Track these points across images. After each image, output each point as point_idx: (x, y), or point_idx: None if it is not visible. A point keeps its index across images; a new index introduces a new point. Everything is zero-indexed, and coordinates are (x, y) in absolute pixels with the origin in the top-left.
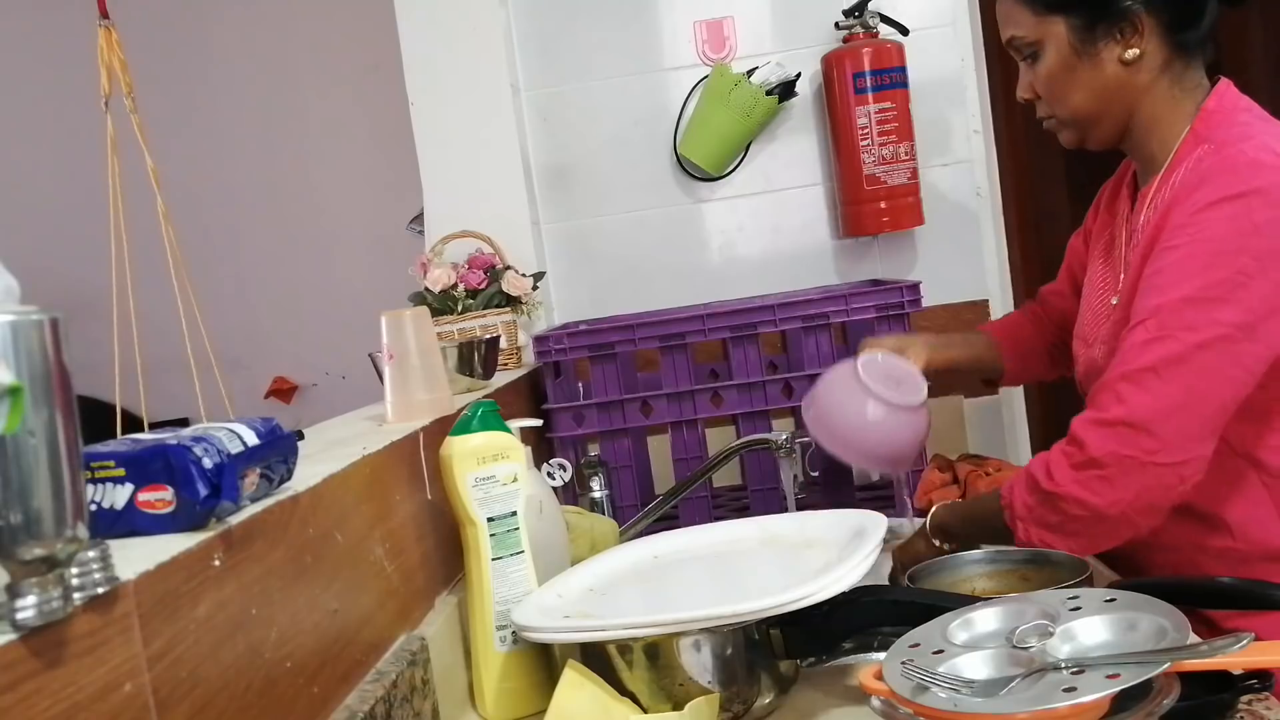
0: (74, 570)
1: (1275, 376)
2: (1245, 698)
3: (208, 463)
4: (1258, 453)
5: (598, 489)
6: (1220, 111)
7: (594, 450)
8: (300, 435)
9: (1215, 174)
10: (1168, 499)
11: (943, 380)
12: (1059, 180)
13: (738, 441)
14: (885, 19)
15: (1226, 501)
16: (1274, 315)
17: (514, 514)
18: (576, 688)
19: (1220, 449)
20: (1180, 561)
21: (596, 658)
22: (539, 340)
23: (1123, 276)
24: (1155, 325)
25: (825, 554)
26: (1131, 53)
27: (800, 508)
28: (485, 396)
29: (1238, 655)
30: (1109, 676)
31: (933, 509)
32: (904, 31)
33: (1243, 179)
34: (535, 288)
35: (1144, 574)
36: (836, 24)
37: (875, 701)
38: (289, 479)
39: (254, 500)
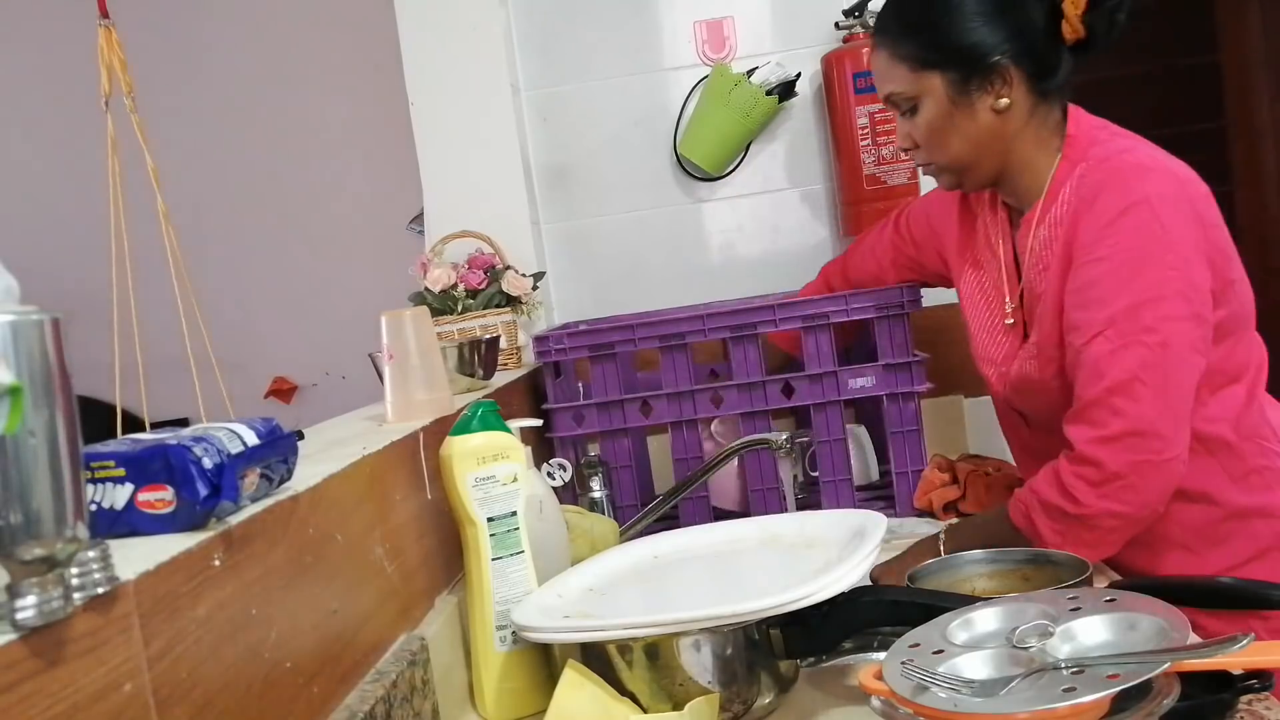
0: (74, 570)
1: None
2: (1245, 698)
3: (208, 463)
4: (1199, 426)
5: (598, 489)
6: (1081, 134)
7: (594, 450)
8: (300, 435)
9: (1108, 184)
10: (1177, 482)
11: None
12: None
13: (738, 441)
14: None
15: (1190, 477)
16: (1200, 295)
17: (514, 514)
18: (576, 688)
19: None
20: (1160, 536)
21: (596, 658)
22: (539, 340)
23: (1010, 298)
24: (1114, 334)
25: (825, 554)
26: (1003, 102)
27: (800, 508)
28: (485, 396)
29: (1238, 655)
30: (1109, 676)
31: (943, 541)
32: None
33: (1135, 186)
34: (535, 288)
35: (1128, 552)
36: (836, 24)
37: (875, 701)
38: (289, 479)
39: (254, 500)
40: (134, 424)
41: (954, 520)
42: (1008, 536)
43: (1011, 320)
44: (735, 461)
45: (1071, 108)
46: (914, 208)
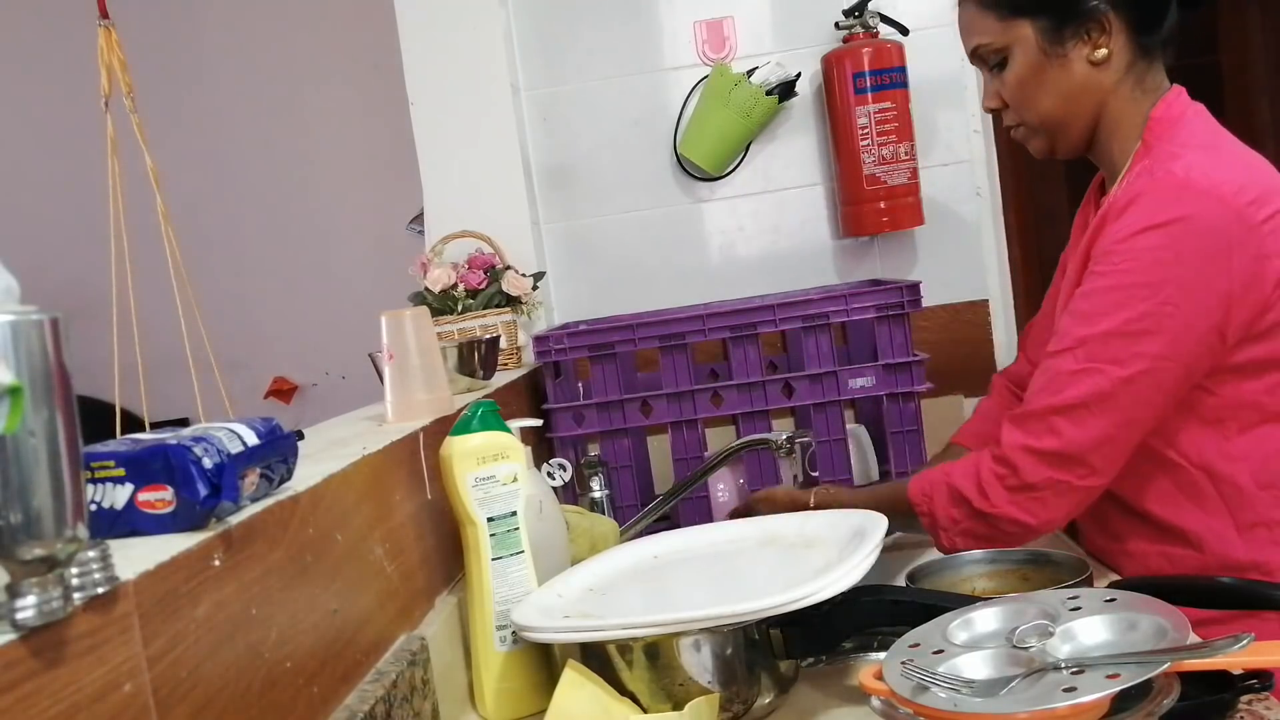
0: (74, 570)
1: (1221, 384)
2: (1245, 698)
3: (208, 463)
4: (1215, 464)
5: (598, 489)
6: (1164, 121)
7: (594, 450)
8: (300, 435)
9: (1144, 196)
10: (1086, 505)
11: None
12: (1059, 180)
13: (738, 441)
14: (885, 19)
15: (1188, 514)
16: (1203, 336)
17: (514, 514)
18: (576, 688)
19: (1179, 463)
20: (1149, 568)
21: (596, 658)
22: (539, 340)
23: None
24: (1084, 355)
25: (825, 554)
26: (1100, 53)
27: None
28: (485, 396)
29: (1238, 655)
30: (1109, 676)
31: (816, 490)
32: (904, 31)
33: (1168, 206)
34: (535, 288)
35: (1118, 574)
36: (836, 24)
37: (875, 701)
38: (289, 479)
39: (254, 500)
40: (134, 424)
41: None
42: (890, 506)
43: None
44: (735, 486)
45: (1174, 89)
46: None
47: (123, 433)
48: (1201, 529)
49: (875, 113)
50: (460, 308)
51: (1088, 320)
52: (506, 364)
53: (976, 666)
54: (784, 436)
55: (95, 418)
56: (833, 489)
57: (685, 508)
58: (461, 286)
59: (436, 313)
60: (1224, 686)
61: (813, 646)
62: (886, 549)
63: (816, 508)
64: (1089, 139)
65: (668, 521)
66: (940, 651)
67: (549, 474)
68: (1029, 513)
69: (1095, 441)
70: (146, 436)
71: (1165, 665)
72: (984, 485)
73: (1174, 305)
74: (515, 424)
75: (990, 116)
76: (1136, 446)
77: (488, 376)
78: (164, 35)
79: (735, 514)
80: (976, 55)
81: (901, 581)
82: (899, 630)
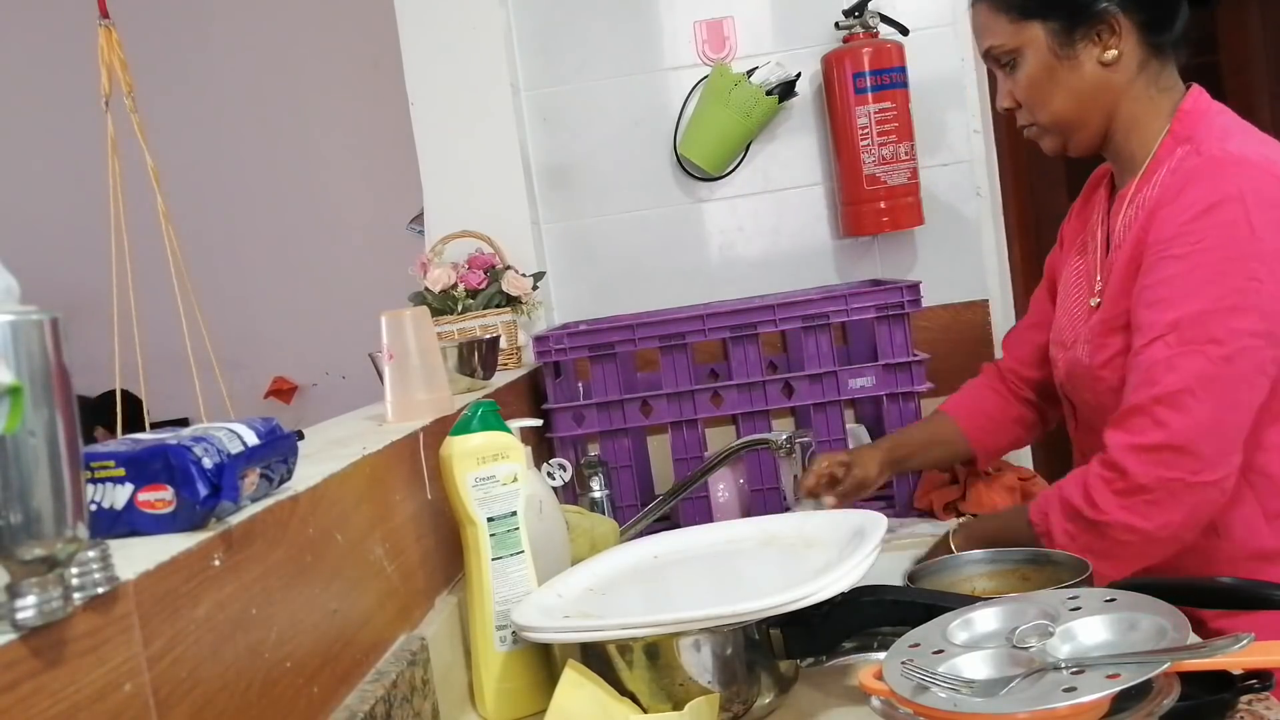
0: (74, 570)
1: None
2: (1245, 698)
3: (208, 463)
4: (1249, 454)
5: (598, 489)
6: (1196, 112)
7: (594, 450)
8: (300, 435)
9: (1201, 175)
10: (1212, 512)
11: (903, 470)
12: (1059, 180)
13: (738, 441)
14: (885, 19)
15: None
16: None
17: (514, 514)
18: (576, 688)
19: None
20: (1172, 566)
21: (596, 658)
22: (539, 340)
23: (1099, 278)
24: (1176, 340)
25: (825, 554)
26: (1110, 54)
27: None
28: (485, 396)
29: (1238, 655)
30: (1109, 676)
31: (953, 532)
32: (904, 31)
33: (1230, 180)
34: (535, 288)
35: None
36: (836, 24)
37: (875, 701)
38: (289, 479)
39: (254, 500)
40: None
41: (964, 519)
42: (1021, 535)
43: (1097, 300)
44: (735, 486)
45: (1195, 86)
46: (1052, 253)
47: (123, 432)
48: (1230, 518)
49: (875, 113)
50: (460, 308)
51: (1174, 304)
52: (506, 364)
53: (976, 666)
54: (784, 436)
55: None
56: (967, 526)
57: (685, 508)
58: (461, 286)
59: (436, 313)
60: (1224, 686)
61: (813, 646)
62: (886, 549)
63: (962, 545)
64: (1102, 137)
65: (668, 521)
66: (940, 651)
67: (549, 474)
68: (1142, 516)
69: (1203, 429)
70: (146, 436)
71: (1165, 665)
72: (1091, 492)
73: (1259, 279)
74: (515, 424)
75: (990, 116)
76: (1244, 435)
77: (488, 376)
78: (164, 35)
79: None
80: (990, 56)
81: (901, 581)
82: (899, 630)
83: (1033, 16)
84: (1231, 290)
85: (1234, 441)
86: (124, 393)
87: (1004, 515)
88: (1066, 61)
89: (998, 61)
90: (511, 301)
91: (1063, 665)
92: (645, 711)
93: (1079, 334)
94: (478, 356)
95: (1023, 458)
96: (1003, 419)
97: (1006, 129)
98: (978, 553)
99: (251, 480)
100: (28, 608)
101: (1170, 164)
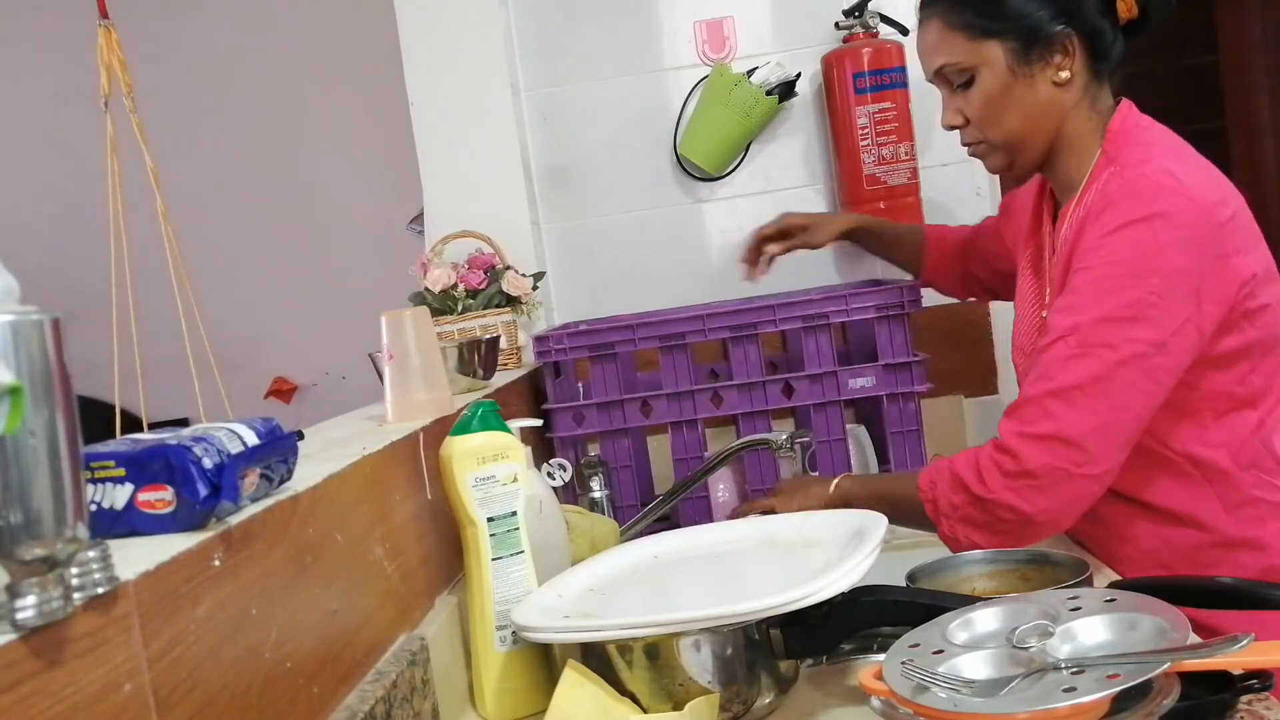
0: (74, 570)
1: (1200, 377)
2: (1245, 698)
3: (208, 463)
4: (1196, 451)
5: (598, 489)
6: (1123, 131)
7: (594, 450)
8: (300, 435)
9: (1120, 198)
10: (1089, 503)
11: (859, 245)
12: None
13: (738, 441)
14: (885, 19)
15: (1179, 499)
16: (1184, 328)
17: (514, 514)
18: (576, 688)
19: (1165, 453)
20: (1146, 553)
21: (596, 658)
22: (539, 340)
23: (1048, 290)
24: (1075, 342)
25: (825, 554)
26: (1064, 74)
27: None
28: (485, 396)
29: (1238, 655)
30: (1109, 676)
31: (839, 478)
32: (904, 31)
33: (1145, 203)
34: (535, 288)
35: (1114, 566)
36: (836, 24)
37: (875, 701)
38: (289, 479)
39: (254, 500)
40: (134, 424)
41: (846, 474)
42: (905, 497)
43: (1046, 314)
44: (735, 486)
45: (1125, 102)
46: (1004, 199)
47: (123, 433)
48: (1194, 510)
49: (875, 113)
50: (460, 308)
51: (1077, 310)
52: (506, 364)
53: (976, 666)
54: (784, 436)
55: (95, 418)
56: (855, 478)
57: (685, 508)
58: (461, 286)
59: (436, 313)
60: (1224, 686)
61: (813, 646)
62: (886, 549)
63: (833, 499)
64: (1046, 156)
65: (668, 521)
66: (940, 651)
67: (549, 474)
68: (1026, 500)
69: (1090, 426)
70: (146, 436)
71: (1165, 665)
72: (983, 471)
73: (1158, 295)
74: (515, 424)
75: None
76: (1134, 440)
77: (488, 376)
78: (164, 35)
79: (737, 513)
80: (940, 75)
81: (901, 581)
82: (899, 630)
83: (992, 36)
84: (1131, 302)
85: (1119, 440)
86: (100, 403)
87: (893, 477)
88: (1023, 80)
89: (948, 81)
90: (511, 301)
91: (1063, 665)
92: (645, 711)
93: (1033, 344)
94: (478, 356)
95: None
96: (954, 265)
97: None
98: (978, 553)
99: (251, 480)
100: (28, 608)
101: (1098, 184)
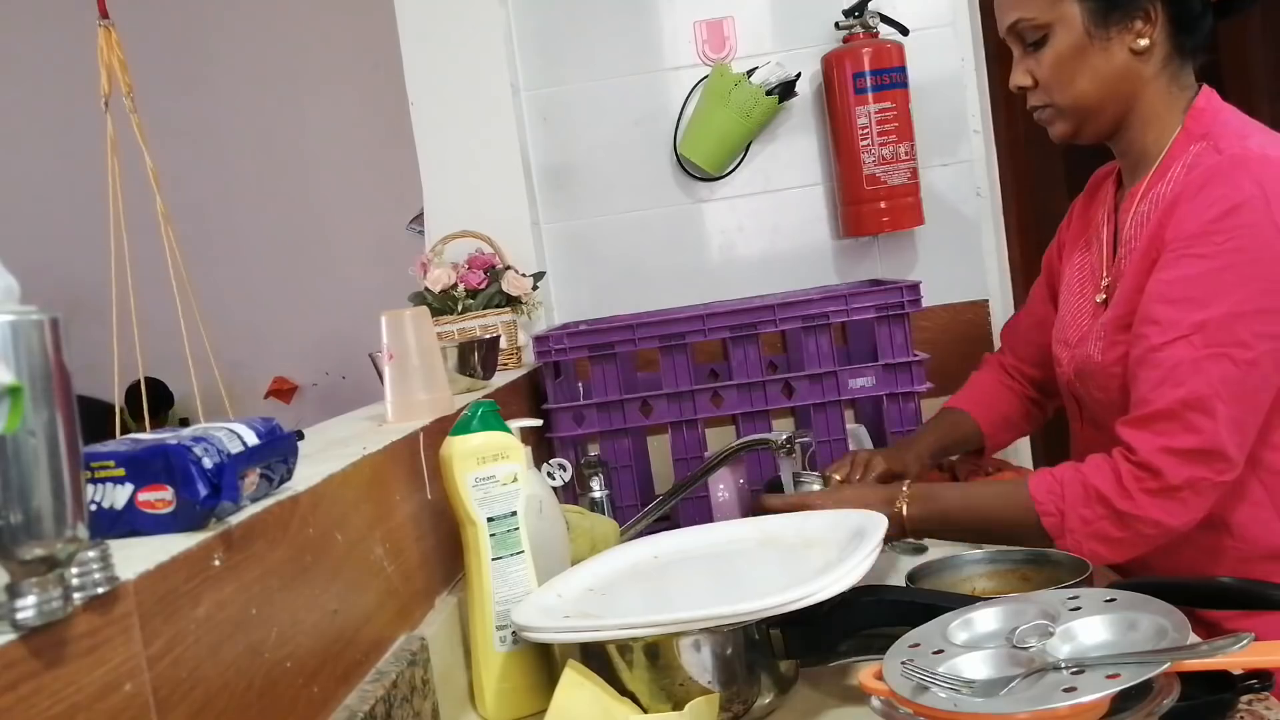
0: (74, 570)
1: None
2: (1245, 698)
3: (208, 463)
4: (1259, 452)
5: (598, 489)
6: (1210, 110)
7: (594, 450)
8: (300, 435)
9: (1222, 173)
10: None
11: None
12: (1059, 180)
13: (738, 441)
14: (885, 19)
15: (1228, 502)
16: None
17: (514, 514)
18: (576, 688)
19: None
20: (1179, 561)
21: (596, 658)
22: (539, 340)
23: (1106, 275)
24: (1202, 342)
25: (825, 554)
26: (1142, 42)
27: None
28: (485, 396)
29: (1238, 655)
30: (1109, 676)
31: (909, 487)
32: (904, 31)
33: (1253, 179)
34: (535, 288)
35: (1143, 573)
36: (836, 24)
37: (875, 701)
38: (289, 479)
39: (254, 500)
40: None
41: (908, 486)
42: (1004, 514)
43: (1103, 297)
44: (735, 486)
45: (1206, 87)
46: (1049, 250)
47: (122, 433)
48: (1244, 517)
49: (875, 113)
50: (460, 308)
51: (1199, 305)
52: (506, 364)
53: (976, 666)
54: (784, 436)
55: (95, 418)
56: (919, 497)
57: (685, 508)
58: (461, 286)
59: (436, 313)
60: (1224, 686)
61: (813, 646)
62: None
63: (910, 514)
64: (1116, 127)
65: (668, 521)
66: (940, 651)
67: (549, 474)
68: (1171, 514)
69: (1230, 432)
70: (146, 436)
71: (1165, 665)
72: (1127, 488)
73: None
74: (515, 424)
75: (990, 116)
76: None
77: (488, 376)
78: (164, 35)
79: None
80: (1014, 30)
81: (901, 581)
82: (899, 630)
83: None
84: (1257, 293)
85: (1251, 439)
86: (100, 403)
87: (981, 488)
88: (1098, 43)
89: (1021, 38)
90: (511, 301)
91: (1063, 665)
92: (645, 711)
93: (1086, 331)
94: (478, 356)
95: (1022, 456)
96: (1012, 414)
97: (1006, 129)
98: (978, 553)
99: (251, 480)
100: (28, 608)
101: (1185, 160)
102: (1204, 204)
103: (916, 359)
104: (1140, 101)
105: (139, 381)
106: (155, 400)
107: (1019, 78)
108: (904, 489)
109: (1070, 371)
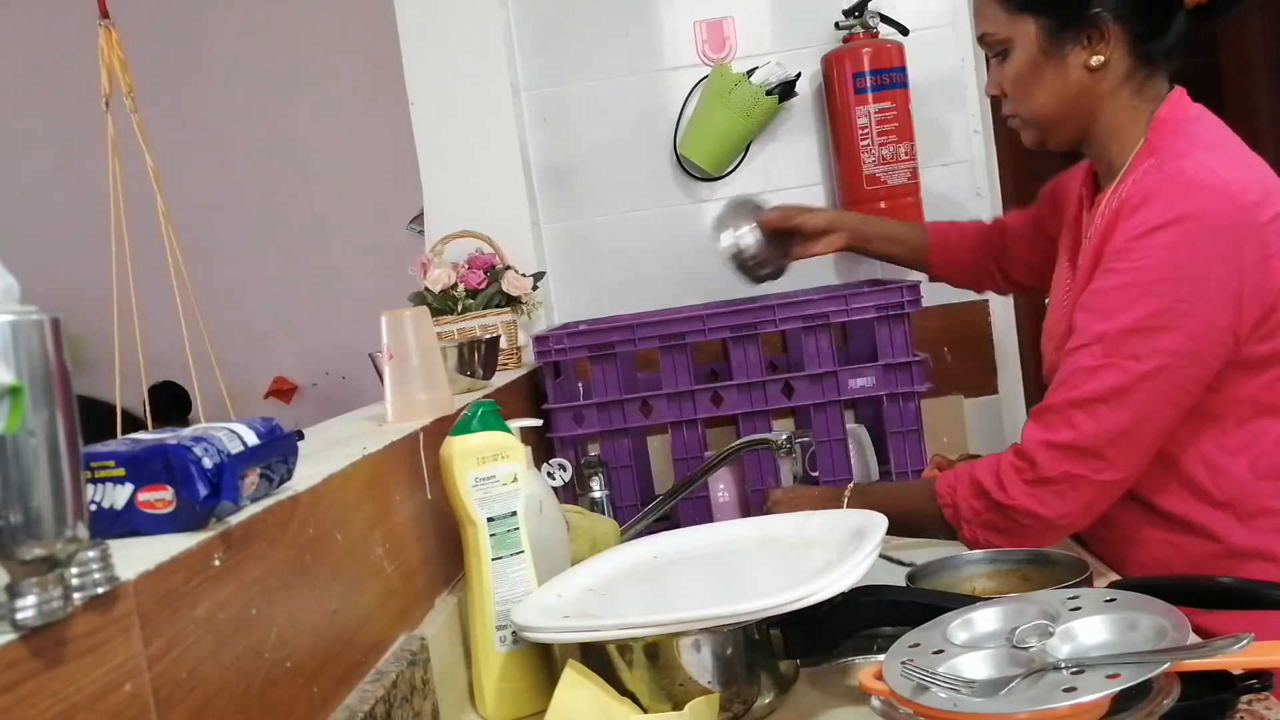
0: (74, 570)
1: (1225, 381)
2: (1245, 698)
3: (208, 463)
4: (1213, 457)
5: (598, 489)
6: (1169, 122)
7: (594, 450)
8: (300, 435)
9: (1156, 194)
10: (1108, 505)
11: (858, 253)
12: None
13: (738, 441)
14: (885, 19)
15: (1192, 506)
16: (1218, 334)
17: (514, 514)
18: (576, 688)
19: (1182, 457)
20: (1155, 559)
21: (596, 658)
22: (539, 340)
23: (1070, 282)
24: (1100, 352)
25: (825, 554)
26: (1096, 59)
27: None
28: (485, 396)
29: (1238, 655)
30: (1109, 676)
31: (850, 489)
32: (904, 31)
33: (1180, 201)
34: (535, 288)
35: (1121, 570)
36: (836, 24)
37: (875, 701)
38: (289, 479)
39: (254, 500)
40: (134, 424)
41: (854, 484)
42: (917, 506)
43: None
44: (735, 486)
45: (1176, 90)
46: (1048, 186)
47: (123, 433)
48: (1206, 519)
49: (875, 113)
50: (460, 308)
51: (1105, 316)
52: (506, 364)
53: (976, 666)
54: (784, 436)
55: (95, 418)
56: (861, 491)
57: (685, 508)
58: (461, 286)
59: (436, 313)
60: (1224, 686)
61: (813, 646)
62: (887, 549)
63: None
64: (1081, 137)
65: (668, 521)
66: (940, 651)
67: (549, 474)
68: (1044, 505)
69: (1110, 435)
70: (146, 436)
71: (1165, 665)
72: (1003, 477)
73: (1189, 302)
74: (515, 424)
75: (990, 116)
76: (1158, 445)
77: (488, 376)
78: (164, 35)
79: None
80: (983, 41)
81: (901, 581)
82: (899, 630)
83: (1027, 10)
84: (1160, 310)
85: (1141, 449)
86: (100, 403)
87: (906, 488)
88: (1053, 60)
89: (990, 49)
90: (511, 301)
91: (1063, 665)
92: (645, 711)
93: (1060, 329)
94: (478, 356)
95: None
96: (964, 260)
97: (1006, 129)
98: (978, 553)
99: (251, 480)
100: (28, 608)
101: (1136, 175)
102: (1134, 223)
103: (916, 359)
104: (1102, 114)
105: (159, 384)
106: (170, 403)
107: (990, 87)
108: (846, 492)
109: (1047, 367)
